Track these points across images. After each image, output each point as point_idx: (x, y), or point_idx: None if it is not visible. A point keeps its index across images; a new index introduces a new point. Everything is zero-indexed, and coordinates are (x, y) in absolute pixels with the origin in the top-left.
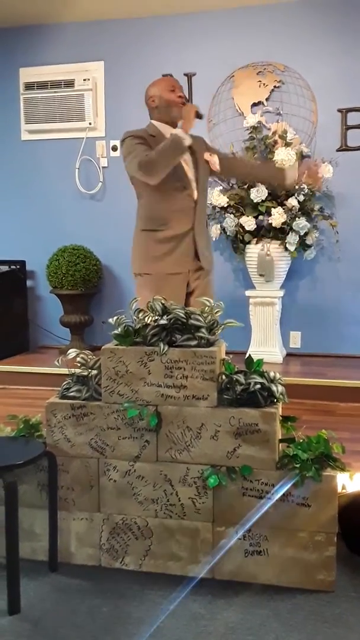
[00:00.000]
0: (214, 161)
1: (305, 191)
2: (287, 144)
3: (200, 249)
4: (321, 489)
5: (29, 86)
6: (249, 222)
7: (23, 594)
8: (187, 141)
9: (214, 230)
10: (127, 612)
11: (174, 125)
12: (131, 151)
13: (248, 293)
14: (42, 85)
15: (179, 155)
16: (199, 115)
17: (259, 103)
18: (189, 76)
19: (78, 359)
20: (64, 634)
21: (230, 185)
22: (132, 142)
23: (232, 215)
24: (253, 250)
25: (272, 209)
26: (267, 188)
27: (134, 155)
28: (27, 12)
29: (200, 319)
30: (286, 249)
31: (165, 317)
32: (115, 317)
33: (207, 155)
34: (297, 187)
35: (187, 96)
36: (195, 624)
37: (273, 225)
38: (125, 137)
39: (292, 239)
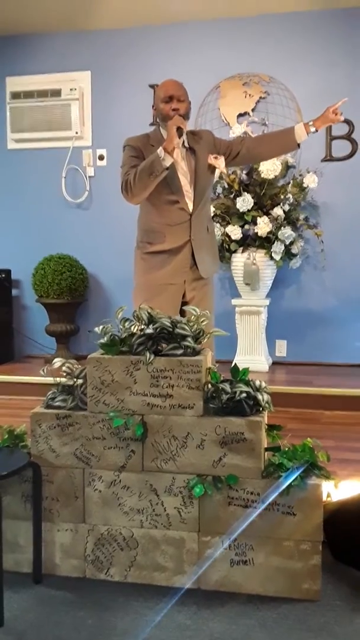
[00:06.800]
0: (219, 163)
1: (291, 201)
2: None
3: (199, 259)
4: (306, 497)
5: (16, 95)
6: (235, 231)
7: (6, 607)
8: (167, 161)
9: None
10: (112, 623)
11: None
12: (122, 164)
13: (234, 302)
14: (29, 95)
15: (156, 178)
16: (179, 132)
17: (245, 113)
18: None
19: (63, 368)
20: None
21: (217, 194)
22: (126, 154)
23: (218, 225)
24: (239, 259)
25: (258, 218)
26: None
27: (123, 171)
28: (13, 21)
29: (187, 327)
30: (272, 258)
31: (151, 326)
32: (101, 326)
33: (211, 159)
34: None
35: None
36: (180, 635)
37: (259, 234)
38: (124, 144)
39: (277, 248)
